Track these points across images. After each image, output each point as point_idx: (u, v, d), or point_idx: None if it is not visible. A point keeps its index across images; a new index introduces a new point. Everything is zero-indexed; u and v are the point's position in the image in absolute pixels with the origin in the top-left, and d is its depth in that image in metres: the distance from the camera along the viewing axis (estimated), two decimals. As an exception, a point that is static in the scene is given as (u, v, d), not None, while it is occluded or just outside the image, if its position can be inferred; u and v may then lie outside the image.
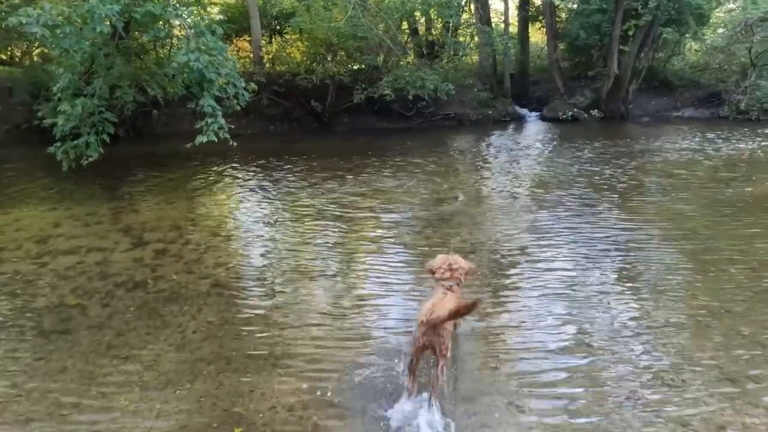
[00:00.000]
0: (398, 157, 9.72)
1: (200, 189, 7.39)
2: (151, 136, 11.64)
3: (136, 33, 8.43)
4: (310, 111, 13.30)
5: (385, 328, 3.60)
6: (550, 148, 10.76)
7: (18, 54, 12.09)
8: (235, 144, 7.00)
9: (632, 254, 4.78)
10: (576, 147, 10.58)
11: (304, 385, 2.97)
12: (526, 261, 4.67)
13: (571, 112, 14.85)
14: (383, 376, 3.04)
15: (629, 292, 4.04)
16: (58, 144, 7.03)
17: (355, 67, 13.30)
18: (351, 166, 8.87)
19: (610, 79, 14.51)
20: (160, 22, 7.64)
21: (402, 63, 12.98)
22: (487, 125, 14.31)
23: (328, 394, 2.89)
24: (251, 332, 3.56)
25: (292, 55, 14.10)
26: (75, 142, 7.02)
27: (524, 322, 3.62)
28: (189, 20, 7.24)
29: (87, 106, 6.96)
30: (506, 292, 4.11)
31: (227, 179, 8.03)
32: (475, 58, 16.60)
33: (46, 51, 11.13)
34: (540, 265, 4.58)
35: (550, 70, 16.30)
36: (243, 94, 7.73)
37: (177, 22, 7.78)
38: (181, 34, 7.93)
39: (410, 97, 12.34)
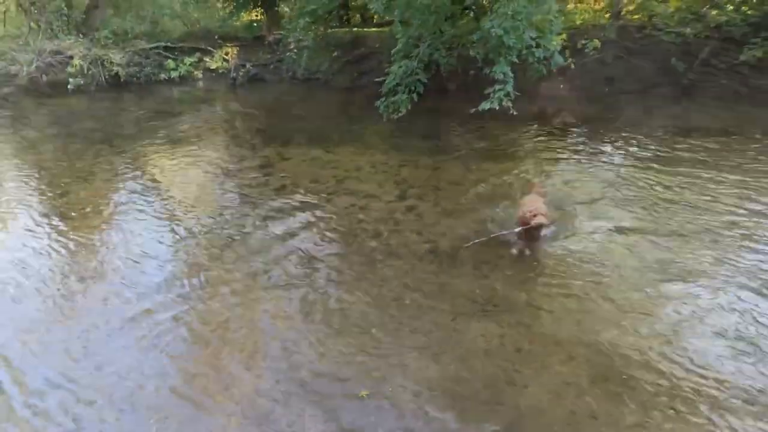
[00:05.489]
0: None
1: (486, 152, 7.28)
2: (477, 90, 12.31)
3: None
4: (665, 71, 10.92)
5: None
6: None
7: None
8: (515, 113, 6.80)
9: None
10: None
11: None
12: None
13: None
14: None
15: None
16: (383, 99, 8.53)
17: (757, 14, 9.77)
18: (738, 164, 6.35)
19: None
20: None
21: None
22: None
23: None
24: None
25: (667, 2, 11.55)
26: (394, 98, 8.36)
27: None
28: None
29: (408, 67, 8.09)
30: None
31: (520, 147, 7.53)
32: None
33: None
34: None
35: None
36: (555, 60, 7.28)
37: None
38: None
39: None
